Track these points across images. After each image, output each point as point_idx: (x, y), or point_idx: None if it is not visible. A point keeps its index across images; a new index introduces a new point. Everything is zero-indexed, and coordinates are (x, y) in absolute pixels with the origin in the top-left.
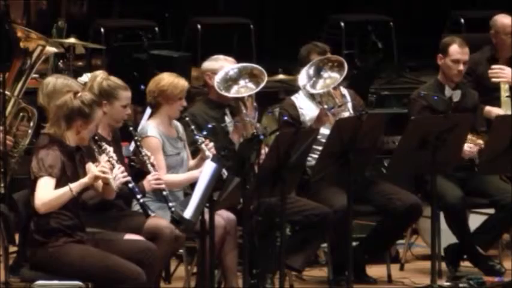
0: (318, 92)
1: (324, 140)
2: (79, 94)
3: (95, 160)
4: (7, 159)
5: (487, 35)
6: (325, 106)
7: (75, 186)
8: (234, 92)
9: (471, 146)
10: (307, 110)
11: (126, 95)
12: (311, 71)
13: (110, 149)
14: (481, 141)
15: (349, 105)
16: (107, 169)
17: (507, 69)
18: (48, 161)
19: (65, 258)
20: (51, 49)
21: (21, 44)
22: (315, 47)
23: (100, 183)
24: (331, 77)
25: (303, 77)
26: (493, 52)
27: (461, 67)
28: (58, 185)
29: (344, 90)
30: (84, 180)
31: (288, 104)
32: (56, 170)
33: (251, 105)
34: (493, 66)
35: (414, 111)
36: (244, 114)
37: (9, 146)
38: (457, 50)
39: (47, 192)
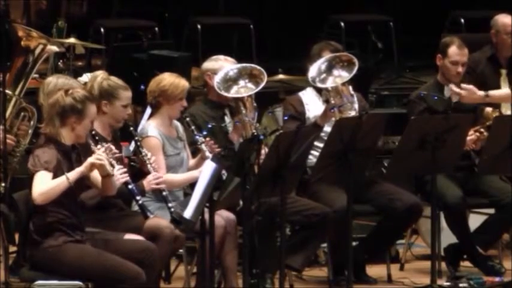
0: (326, 86)
1: (326, 138)
2: (70, 91)
3: None
4: (8, 159)
5: (487, 35)
6: (332, 102)
7: (71, 174)
8: (233, 92)
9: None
10: (313, 107)
11: (126, 95)
12: (323, 67)
13: (113, 149)
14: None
15: (356, 106)
16: (102, 157)
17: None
18: (44, 158)
19: (65, 258)
20: (52, 48)
21: (22, 43)
22: (328, 45)
23: (99, 179)
24: (341, 76)
25: (313, 71)
26: (493, 51)
27: (460, 69)
28: None
29: (352, 92)
30: (80, 169)
31: (294, 99)
32: (51, 165)
33: (251, 106)
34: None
35: (413, 114)
36: (243, 115)
37: (11, 145)
38: (455, 51)
39: (43, 184)
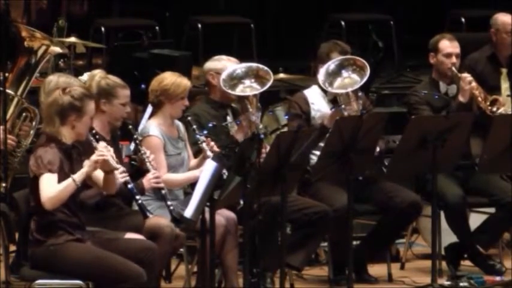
0: (337, 92)
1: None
2: (67, 89)
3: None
4: (8, 159)
5: (488, 35)
6: (342, 106)
7: (77, 176)
8: (238, 91)
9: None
10: (318, 106)
11: (125, 93)
12: (332, 68)
13: (110, 149)
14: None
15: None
16: (104, 152)
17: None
18: (47, 158)
19: (66, 257)
20: (55, 49)
21: (26, 44)
22: (336, 45)
23: (101, 177)
24: (351, 78)
25: (322, 74)
26: (492, 51)
27: (454, 60)
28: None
29: (360, 93)
30: (84, 169)
31: (299, 98)
32: (55, 166)
33: (255, 105)
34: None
35: (411, 105)
36: (250, 113)
37: (12, 146)
38: (447, 44)
39: (51, 188)
